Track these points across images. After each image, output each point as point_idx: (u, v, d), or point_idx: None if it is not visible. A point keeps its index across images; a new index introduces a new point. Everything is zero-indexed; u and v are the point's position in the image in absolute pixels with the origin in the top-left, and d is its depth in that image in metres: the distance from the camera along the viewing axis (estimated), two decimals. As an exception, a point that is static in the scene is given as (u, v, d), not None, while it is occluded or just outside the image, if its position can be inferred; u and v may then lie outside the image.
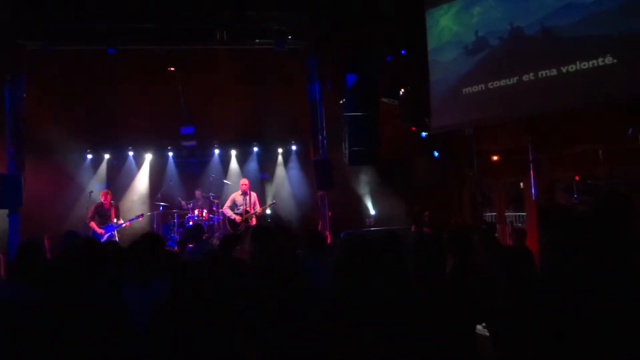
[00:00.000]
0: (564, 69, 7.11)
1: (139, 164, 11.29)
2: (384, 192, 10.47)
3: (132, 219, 9.35)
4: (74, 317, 2.90)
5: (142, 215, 9.63)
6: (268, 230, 4.89)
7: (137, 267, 3.56)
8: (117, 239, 8.80)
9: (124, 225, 9.04)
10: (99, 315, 2.94)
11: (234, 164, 11.48)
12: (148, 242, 3.78)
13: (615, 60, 6.57)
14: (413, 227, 8.34)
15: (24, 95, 8.99)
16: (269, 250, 4.20)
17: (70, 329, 2.86)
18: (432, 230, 7.87)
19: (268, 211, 9.83)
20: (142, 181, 11.14)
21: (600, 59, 6.67)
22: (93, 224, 8.75)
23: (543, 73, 7.34)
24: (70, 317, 2.91)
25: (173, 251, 6.50)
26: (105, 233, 8.74)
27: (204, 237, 9.14)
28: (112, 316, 3.00)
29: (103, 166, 11.03)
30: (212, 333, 3.00)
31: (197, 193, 10.48)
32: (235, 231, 8.88)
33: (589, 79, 6.86)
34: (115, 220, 8.90)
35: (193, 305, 3.08)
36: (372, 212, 10.54)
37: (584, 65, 6.87)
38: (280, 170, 11.60)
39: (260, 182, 11.39)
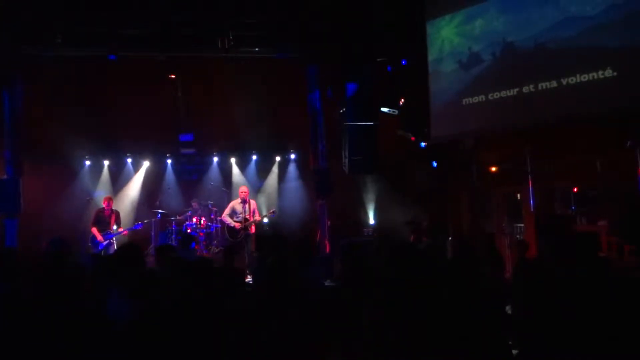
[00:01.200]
0: (564, 81, 7.17)
1: (137, 171, 11.25)
2: (382, 201, 10.48)
3: (131, 228, 9.32)
4: (56, 327, 2.90)
5: (141, 224, 9.57)
6: (267, 240, 4.91)
7: (120, 278, 3.57)
8: (115, 247, 8.75)
9: (122, 233, 8.99)
10: (82, 327, 2.95)
11: (236, 172, 11.44)
12: (128, 253, 3.79)
13: (615, 73, 6.64)
14: (412, 237, 8.36)
15: (22, 100, 8.97)
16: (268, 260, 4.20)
17: (53, 340, 2.86)
18: (432, 240, 7.87)
19: (265, 220, 9.80)
20: (135, 188, 11.08)
21: (600, 72, 6.74)
22: (95, 230, 8.72)
23: (543, 85, 7.40)
24: (53, 327, 2.90)
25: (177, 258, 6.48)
26: (104, 240, 8.70)
27: (191, 246, 9.17)
28: (96, 327, 3.01)
29: (105, 173, 10.99)
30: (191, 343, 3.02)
31: (194, 204, 10.43)
32: (234, 239, 8.85)
33: (588, 91, 6.92)
34: (114, 227, 8.85)
35: (166, 315, 3.10)
36: (371, 221, 10.53)
37: (584, 77, 6.94)
38: (277, 179, 11.55)
39: (258, 190, 11.38)
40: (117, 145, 10.93)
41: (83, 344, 2.92)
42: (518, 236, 9.26)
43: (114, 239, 8.83)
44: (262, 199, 11.18)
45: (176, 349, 2.98)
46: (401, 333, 2.78)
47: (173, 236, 10.11)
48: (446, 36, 8.75)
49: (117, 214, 9.08)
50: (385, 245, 4.27)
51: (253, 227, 9.04)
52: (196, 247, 9.80)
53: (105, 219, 8.84)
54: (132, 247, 4.09)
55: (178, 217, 10.24)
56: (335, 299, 3.66)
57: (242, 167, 11.56)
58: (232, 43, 9.04)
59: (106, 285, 3.58)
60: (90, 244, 8.71)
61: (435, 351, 2.68)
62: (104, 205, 8.98)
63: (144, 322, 3.09)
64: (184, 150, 10.81)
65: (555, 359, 2.82)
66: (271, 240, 4.77)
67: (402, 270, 3.07)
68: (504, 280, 5.71)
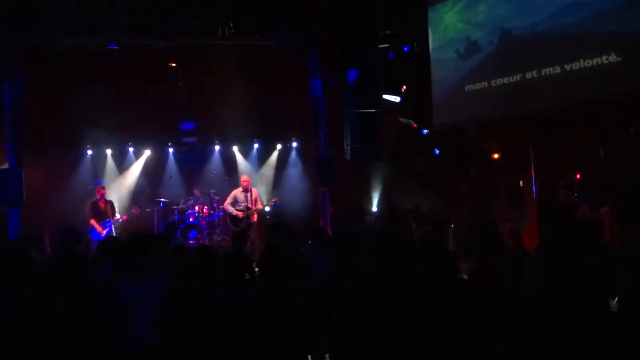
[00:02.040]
0: (567, 67, 7.10)
1: (138, 159, 11.24)
2: (385, 189, 10.47)
3: (129, 214, 9.36)
4: (70, 315, 2.92)
5: (137, 208, 9.58)
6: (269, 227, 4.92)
7: (136, 264, 3.61)
8: (114, 235, 8.75)
9: (121, 220, 9.01)
10: (95, 313, 2.98)
11: (241, 160, 11.39)
12: (145, 240, 3.85)
13: (619, 58, 6.56)
14: (414, 225, 8.34)
15: (23, 91, 8.94)
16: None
17: (66, 327, 2.88)
18: (434, 228, 7.85)
19: (267, 209, 9.81)
20: (135, 176, 11.06)
21: (604, 57, 6.67)
22: (94, 222, 8.71)
23: (546, 70, 7.34)
24: (66, 314, 2.93)
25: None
26: (104, 229, 8.70)
27: (191, 235, 9.29)
28: (109, 313, 3.05)
29: (108, 162, 10.97)
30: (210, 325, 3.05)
31: (196, 192, 10.44)
32: (237, 228, 8.87)
33: (592, 76, 6.86)
34: (112, 216, 8.87)
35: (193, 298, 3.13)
36: (374, 209, 10.53)
37: (588, 62, 6.87)
38: (277, 167, 11.51)
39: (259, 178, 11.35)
40: (119, 135, 10.89)
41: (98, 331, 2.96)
42: (522, 223, 9.23)
43: (113, 227, 8.83)
44: (263, 187, 11.16)
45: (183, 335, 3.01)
46: (387, 325, 2.78)
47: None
48: (449, 22, 8.66)
49: (112, 205, 9.06)
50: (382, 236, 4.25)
51: (255, 216, 9.06)
52: (199, 236, 9.85)
53: (101, 210, 8.82)
54: (146, 235, 4.15)
55: (181, 206, 10.25)
56: (328, 289, 3.67)
57: (244, 155, 11.53)
58: (233, 31, 8.98)
59: (116, 272, 3.62)
60: (90, 236, 8.69)
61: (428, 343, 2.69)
62: (97, 197, 8.94)
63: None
64: (186, 139, 10.79)
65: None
66: (272, 228, 4.77)
67: (388, 262, 3.06)
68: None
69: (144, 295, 3.36)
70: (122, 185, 10.87)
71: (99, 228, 8.67)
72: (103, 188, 9.11)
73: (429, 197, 9.49)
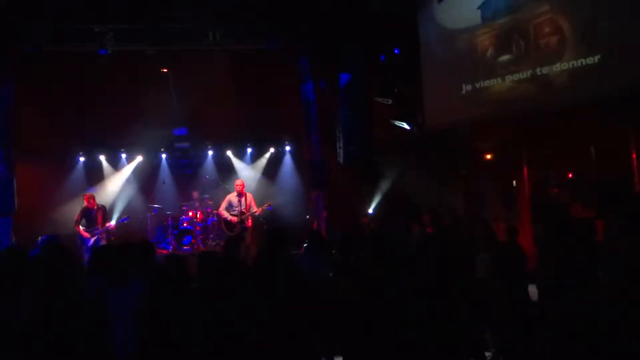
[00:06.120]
0: (556, 68, 7.15)
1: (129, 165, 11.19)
2: (378, 191, 10.47)
3: (121, 221, 9.27)
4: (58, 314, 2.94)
5: (128, 217, 9.50)
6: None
7: (118, 269, 3.66)
8: (104, 242, 8.65)
9: (110, 227, 8.86)
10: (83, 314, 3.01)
11: (237, 163, 11.34)
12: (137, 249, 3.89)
13: (602, 59, 6.61)
14: (415, 228, 8.32)
15: (14, 98, 8.88)
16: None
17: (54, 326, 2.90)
18: (435, 230, 7.80)
19: (259, 212, 9.77)
20: (125, 182, 10.97)
21: (589, 58, 6.72)
22: (79, 228, 8.59)
23: (538, 70, 7.38)
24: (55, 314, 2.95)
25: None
26: (93, 237, 8.58)
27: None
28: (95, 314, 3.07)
29: (99, 168, 10.89)
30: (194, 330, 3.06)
31: (194, 194, 10.41)
32: (231, 233, 8.85)
33: (580, 76, 6.91)
34: (103, 223, 8.73)
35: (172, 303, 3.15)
36: (370, 211, 10.53)
37: (573, 64, 6.92)
38: (268, 170, 11.49)
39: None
40: (111, 141, 10.85)
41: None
42: (515, 222, 9.25)
43: (101, 235, 8.69)
44: (257, 191, 11.13)
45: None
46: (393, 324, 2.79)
47: (169, 230, 10.09)
48: (439, 22, 8.66)
49: (104, 210, 8.94)
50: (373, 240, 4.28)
51: (249, 220, 9.03)
52: (193, 241, 9.80)
53: (92, 216, 8.70)
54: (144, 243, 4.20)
55: (183, 209, 10.24)
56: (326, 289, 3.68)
57: (238, 160, 11.51)
58: (225, 35, 8.98)
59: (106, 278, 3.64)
60: (79, 243, 8.60)
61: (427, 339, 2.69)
62: (86, 204, 8.83)
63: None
64: (178, 145, 10.76)
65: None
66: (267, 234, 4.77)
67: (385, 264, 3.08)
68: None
69: (128, 304, 3.39)
70: (112, 191, 10.79)
71: (84, 233, 8.55)
72: (92, 196, 8.98)
73: (426, 199, 9.50)
